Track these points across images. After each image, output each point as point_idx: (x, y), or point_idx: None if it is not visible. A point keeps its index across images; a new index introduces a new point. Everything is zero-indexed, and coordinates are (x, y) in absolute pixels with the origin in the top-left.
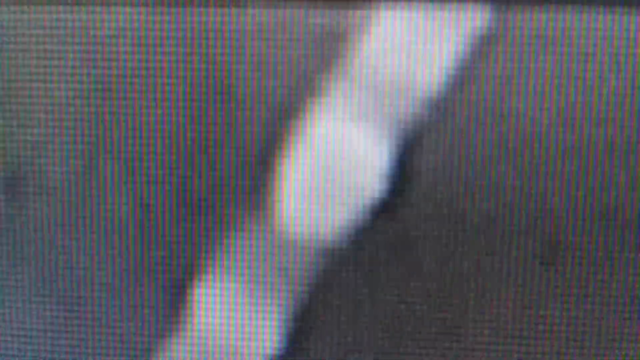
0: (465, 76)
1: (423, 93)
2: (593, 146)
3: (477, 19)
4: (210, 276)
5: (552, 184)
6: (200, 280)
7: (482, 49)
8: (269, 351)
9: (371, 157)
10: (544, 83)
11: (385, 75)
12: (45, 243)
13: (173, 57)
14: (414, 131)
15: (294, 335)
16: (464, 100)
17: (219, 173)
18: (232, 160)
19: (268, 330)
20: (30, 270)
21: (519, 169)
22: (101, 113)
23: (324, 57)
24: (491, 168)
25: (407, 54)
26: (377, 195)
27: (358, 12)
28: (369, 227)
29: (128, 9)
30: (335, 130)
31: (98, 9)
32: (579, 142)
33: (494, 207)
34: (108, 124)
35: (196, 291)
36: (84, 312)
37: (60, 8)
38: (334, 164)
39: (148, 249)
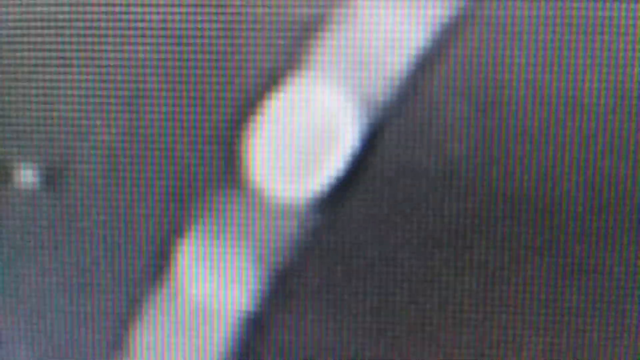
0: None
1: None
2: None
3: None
4: (190, 240)
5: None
6: (179, 244)
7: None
8: (244, 314)
9: (344, 128)
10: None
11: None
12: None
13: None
14: (389, 106)
15: (270, 299)
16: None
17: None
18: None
19: (245, 293)
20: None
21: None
22: None
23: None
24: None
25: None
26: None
27: None
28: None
29: None
30: (312, 97)
31: None
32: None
33: (471, 186)
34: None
35: (176, 254)
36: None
37: None
38: (308, 131)
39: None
